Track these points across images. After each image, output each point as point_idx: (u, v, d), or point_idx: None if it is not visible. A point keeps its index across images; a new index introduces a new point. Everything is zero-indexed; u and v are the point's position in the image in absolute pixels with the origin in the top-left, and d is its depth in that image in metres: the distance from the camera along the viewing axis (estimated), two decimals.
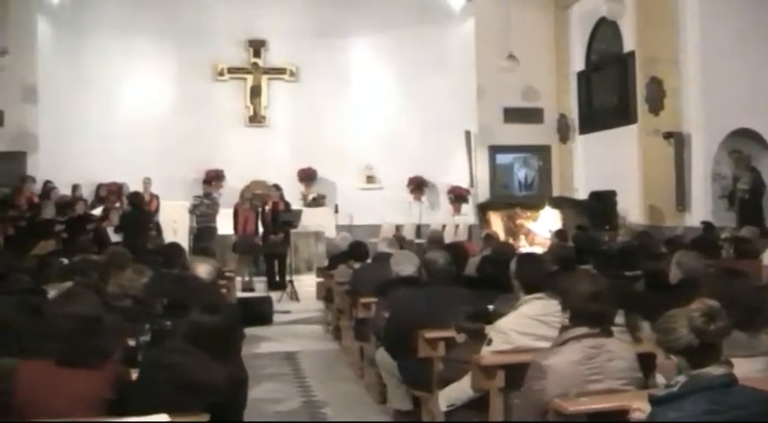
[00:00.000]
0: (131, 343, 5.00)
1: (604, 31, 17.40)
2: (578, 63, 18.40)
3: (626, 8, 15.18)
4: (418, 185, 19.61)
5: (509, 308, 5.29)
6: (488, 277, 6.91)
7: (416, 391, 6.37)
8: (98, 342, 4.02)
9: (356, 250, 10.22)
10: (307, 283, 15.08)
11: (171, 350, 4.05)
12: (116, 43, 18.98)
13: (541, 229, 15.83)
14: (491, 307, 5.82)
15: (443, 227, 17.71)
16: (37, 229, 13.74)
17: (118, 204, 16.38)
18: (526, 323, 4.99)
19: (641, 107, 15.35)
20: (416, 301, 6.39)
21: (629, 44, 16.15)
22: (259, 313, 12.16)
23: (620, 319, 4.89)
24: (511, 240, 15.04)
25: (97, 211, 15.57)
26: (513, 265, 5.52)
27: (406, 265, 7.16)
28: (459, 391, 5.21)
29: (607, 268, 7.30)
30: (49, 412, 3.80)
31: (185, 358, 3.93)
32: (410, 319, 6.11)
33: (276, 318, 12.65)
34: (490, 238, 10.93)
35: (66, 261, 9.34)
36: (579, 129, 18.45)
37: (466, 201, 18.89)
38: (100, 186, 17.70)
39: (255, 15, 19.85)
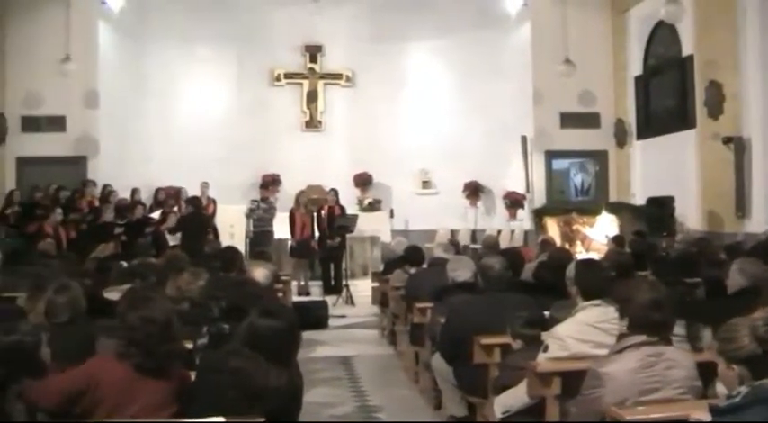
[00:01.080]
0: (189, 346, 5.04)
1: (662, 34, 17.17)
2: (636, 67, 18.18)
3: (685, 11, 14.94)
4: (474, 190, 19.53)
5: (565, 314, 5.25)
6: (545, 283, 6.88)
7: (471, 397, 6.34)
8: (172, 347, 4.05)
9: (412, 255, 10.21)
10: (362, 288, 15.11)
11: (231, 354, 4.06)
12: (175, 49, 19.24)
13: (598, 235, 15.70)
14: (547, 313, 5.78)
15: (499, 232, 17.64)
16: (97, 232, 13.97)
17: (176, 208, 16.54)
18: (583, 330, 4.95)
19: (700, 111, 15.13)
20: (472, 306, 6.37)
21: (687, 47, 15.91)
22: (315, 317, 12.21)
23: (678, 328, 4.82)
24: (567, 246, 14.94)
25: (155, 215, 15.75)
26: (570, 271, 5.47)
27: (462, 271, 7.14)
28: (514, 397, 5.17)
29: (665, 275, 7.20)
30: (122, 415, 3.84)
31: (247, 363, 3.93)
32: (466, 325, 6.08)
33: (331, 322, 12.71)
34: (547, 244, 10.85)
35: (125, 264, 9.48)
36: (637, 134, 18.21)
37: (522, 206, 18.76)
38: (158, 190, 17.88)
39: (312, 21, 19.94)
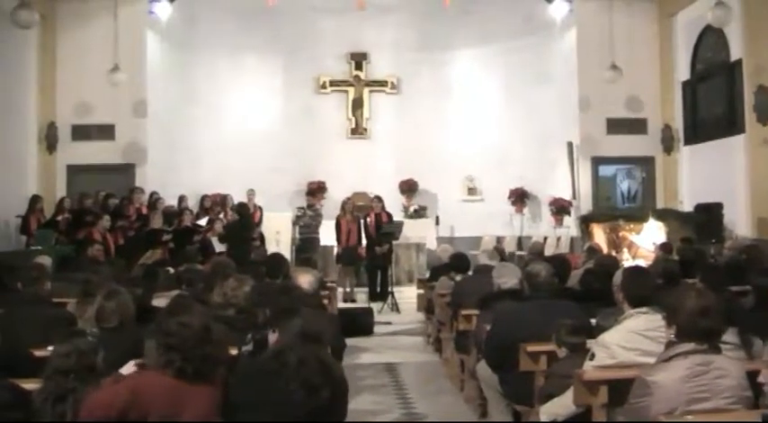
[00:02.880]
0: (234, 352, 5.07)
1: (710, 38, 17.00)
2: (683, 72, 18.01)
3: (733, 15, 14.78)
4: (520, 197, 19.48)
5: (612, 322, 5.22)
6: (591, 290, 6.84)
7: (517, 405, 6.30)
8: (211, 351, 4.05)
9: (458, 262, 10.19)
10: (407, 295, 15.11)
11: (286, 351, 4.00)
12: (222, 58, 19.47)
13: (645, 242, 15.55)
14: (593, 321, 5.74)
15: (545, 239, 17.53)
16: (145, 238, 14.09)
17: (222, 215, 16.65)
18: (631, 338, 4.91)
19: (749, 117, 14.95)
20: (518, 313, 6.33)
21: (736, 52, 15.74)
22: (360, 324, 12.23)
23: (731, 336, 4.75)
24: (613, 253, 14.82)
25: (202, 222, 15.86)
26: (617, 279, 5.44)
27: (508, 278, 7.11)
28: (561, 406, 5.14)
29: (714, 283, 7.12)
30: None
31: (306, 352, 3.88)
32: (512, 332, 6.04)
33: (377, 329, 12.70)
34: (593, 251, 10.76)
35: (172, 270, 9.59)
36: (684, 139, 18.03)
37: (568, 213, 18.65)
38: (204, 197, 18.01)
39: (358, 29, 20.07)
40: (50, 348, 5.45)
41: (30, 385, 4.39)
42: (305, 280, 7.17)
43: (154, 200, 16.17)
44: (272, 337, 4.46)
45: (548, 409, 5.25)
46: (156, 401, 3.84)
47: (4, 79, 15.33)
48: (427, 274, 13.14)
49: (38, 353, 5.50)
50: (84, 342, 4.47)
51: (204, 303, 6.07)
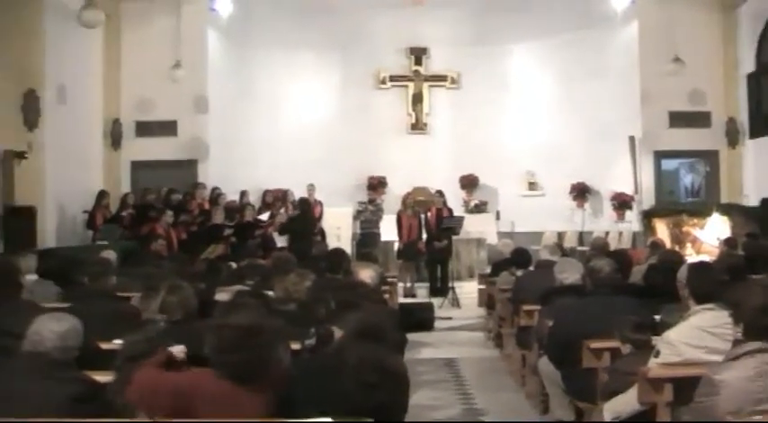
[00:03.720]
0: (296, 347, 5.09)
1: None
2: (748, 64, 17.69)
3: None
4: (581, 192, 19.32)
5: (677, 318, 5.15)
6: (655, 286, 6.75)
7: (580, 402, 6.26)
8: (261, 354, 3.99)
9: (519, 257, 10.15)
10: (468, 290, 15.07)
11: (345, 349, 4.00)
12: (282, 54, 19.57)
13: (709, 237, 15.31)
14: (657, 317, 5.67)
15: (606, 234, 17.39)
16: (207, 233, 14.24)
17: (283, 210, 16.74)
18: (696, 335, 4.84)
19: None
20: (581, 309, 6.28)
21: None
22: (420, 319, 12.21)
23: None
24: (676, 248, 14.63)
25: (264, 217, 15.98)
26: (682, 274, 5.36)
27: (570, 273, 7.06)
28: (624, 403, 5.07)
29: None
30: None
31: (367, 348, 3.87)
32: (575, 328, 6.00)
33: (437, 324, 12.68)
34: (656, 246, 10.65)
35: (234, 265, 9.67)
36: (749, 132, 17.74)
37: (630, 207, 18.47)
38: (266, 192, 18.11)
39: (417, 23, 20.05)
40: (116, 341, 5.55)
41: (97, 377, 4.49)
42: (366, 275, 7.19)
43: (216, 195, 16.33)
44: (338, 333, 4.47)
45: (611, 407, 5.20)
46: (205, 406, 3.83)
47: (72, 78, 15.63)
48: (488, 270, 13.07)
49: (104, 346, 5.61)
50: (154, 329, 4.53)
51: (263, 298, 6.11)
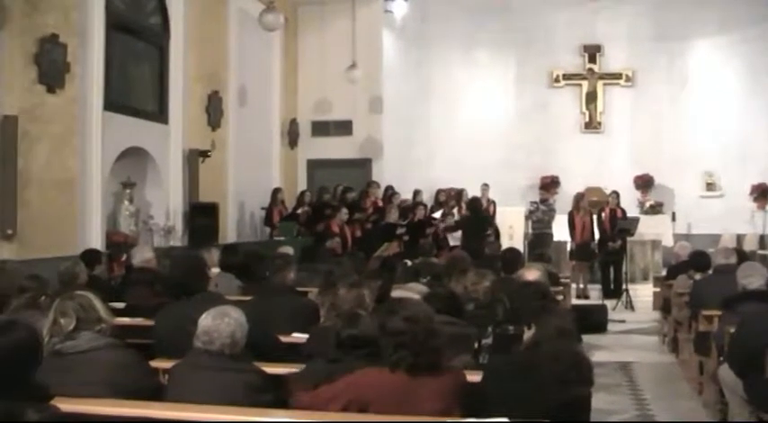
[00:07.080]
0: (475, 346, 5.13)
1: None
2: None
3: None
4: (762, 193, 18.58)
5: None
6: None
7: (764, 413, 6.05)
8: (440, 344, 4.01)
9: (698, 260, 9.85)
10: (642, 293, 14.81)
11: (542, 344, 3.98)
12: (457, 54, 19.75)
13: None
14: None
15: None
16: (381, 231, 14.48)
17: (456, 209, 16.81)
18: None
19: None
20: (766, 317, 6.08)
21: None
22: (594, 321, 12.11)
23: None
24: None
25: (436, 215, 16.10)
26: None
27: (755, 278, 6.83)
28: None
29: None
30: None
31: (566, 349, 3.85)
32: (760, 336, 5.82)
33: (610, 326, 12.58)
34: None
35: (409, 263, 9.81)
36: None
37: None
38: (439, 191, 18.22)
39: (591, 21, 19.80)
40: (295, 335, 5.74)
41: (276, 370, 4.66)
42: (532, 276, 7.15)
43: (389, 194, 16.55)
44: (528, 334, 4.44)
45: None
46: (381, 404, 3.84)
47: (254, 80, 16.26)
48: (663, 272, 12.79)
49: (284, 339, 5.81)
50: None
51: (452, 297, 6.15)
